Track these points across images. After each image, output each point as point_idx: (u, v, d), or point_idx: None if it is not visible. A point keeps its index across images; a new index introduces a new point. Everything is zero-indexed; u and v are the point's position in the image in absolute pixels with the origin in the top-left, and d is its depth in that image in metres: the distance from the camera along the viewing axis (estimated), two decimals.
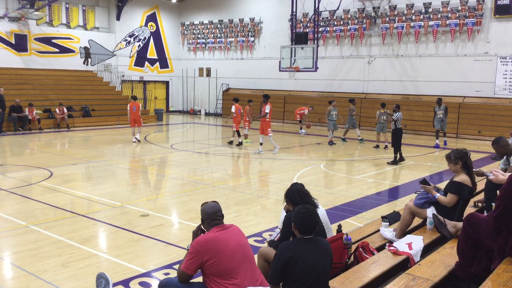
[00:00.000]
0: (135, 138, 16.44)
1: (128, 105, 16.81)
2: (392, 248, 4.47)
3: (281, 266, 3.35)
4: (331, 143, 16.40)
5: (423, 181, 5.24)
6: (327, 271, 3.45)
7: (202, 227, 3.84)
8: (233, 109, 15.85)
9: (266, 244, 5.95)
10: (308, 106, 20.54)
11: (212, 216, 3.72)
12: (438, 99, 16.59)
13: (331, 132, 16.63)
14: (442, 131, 16.50)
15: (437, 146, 16.21)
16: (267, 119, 14.39)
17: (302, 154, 14.88)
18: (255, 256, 4.15)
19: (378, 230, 5.34)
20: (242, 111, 16.09)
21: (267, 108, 14.34)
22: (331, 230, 4.75)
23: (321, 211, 4.82)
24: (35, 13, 22.62)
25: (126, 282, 5.05)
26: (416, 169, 12.63)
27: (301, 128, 20.16)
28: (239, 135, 15.99)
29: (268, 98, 14.67)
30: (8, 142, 16.34)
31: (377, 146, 15.80)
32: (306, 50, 18.30)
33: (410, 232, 5.16)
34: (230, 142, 16.20)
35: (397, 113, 13.03)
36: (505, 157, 6.39)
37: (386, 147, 15.47)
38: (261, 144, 14.44)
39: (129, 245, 6.26)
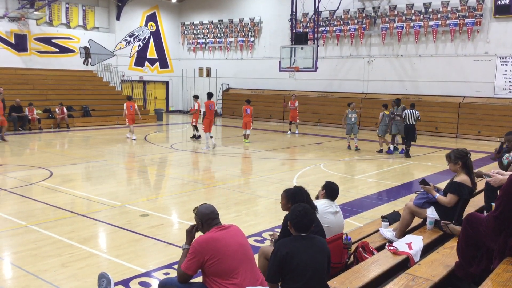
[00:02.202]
0: (133, 136, 17.08)
1: (125, 104, 17.43)
2: (392, 248, 4.47)
3: (278, 262, 3.37)
4: (350, 147, 15.26)
5: (423, 181, 5.24)
6: (324, 268, 3.46)
7: (198, 228, 3.85)
8: (195, 106, 16.97)
9: (266, 243, 5.96)
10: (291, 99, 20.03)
11: (211, 215, 3.73)
12: (397, 99, 14.97)
13: (348, 137, 15.33)
14: (399, 134, 14.66)
15: (390, 152, 14.64)
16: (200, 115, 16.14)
17: (302, 154, 14.87)
18: (256, 256, 4.15)
19: (378, 230, 5.34)
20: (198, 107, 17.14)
21: (203, 106, 15.75)
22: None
23: (340, 218, 4.81)
24: (35, 13, 22.62)
25: (126, 282, 5.05)
26: (416, 169, 12.64)
27: (296, 129, 19.76)
28: (197, 130, 17.27)
29: (211, 96, 15.75)
30: (8, 142, 16.33)
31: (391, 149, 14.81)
32: (306, 50, 18.31)
33: (410, 232, 5.17)
34: (197, 137, 17.13)
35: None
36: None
37: (381, 150, 14.94)
38: (211, 137, 15.27)
39: (129, 245, 6.26)
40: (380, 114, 14.81)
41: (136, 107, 17.76)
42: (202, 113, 15.86)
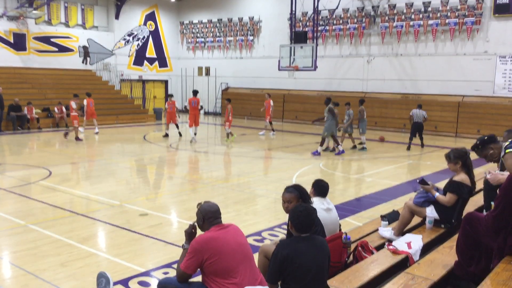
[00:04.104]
0: (96, 129, 18.29)
1: (85, 101, 18.48)
2: (391, 247, 4.47)
3: (278, 264, 3.36)
4: (327, 149, 14.65)
5: (422, 181, 5.23)
6: (324, 269, 3.45)
7: (197, 226, 3.84)
8: (166, 105, 18.01)
9: (266, 242, 5.95)
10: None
11: (215, 214, 3.72)
12: (326, 99, 14.62)
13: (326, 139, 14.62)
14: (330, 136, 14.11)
15: (315, 153, 13.95)
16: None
17: (301, 153, 14.85)
18: (255, 255, 4.14)
19: (377, 229, 5.34)
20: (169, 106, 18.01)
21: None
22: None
23: (334, 215, 4.80)
24: (33, 12, 22.59)
25: (125, 282, 5.05)
26: (415, 168, 12.65)
27: (273, 130, 19.08)
28: (177, 127, 17.98)
29: (196, 93, 17.02)
30: (7, 141, 16.32)
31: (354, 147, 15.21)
32: (305, 49, 18.28)
33: (409, 231, 5.17)
34: (179, 134, 17.62)
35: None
36: None
37: (354, 147, 15.34)
38: (195, 134, 16.54)
39: (128, 244, 6.26)
40: (350, 112, 14.94)
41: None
42: (177, 109, 17.79)
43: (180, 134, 17.71)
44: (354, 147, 15.34)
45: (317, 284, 3.36)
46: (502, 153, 4.20)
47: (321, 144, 14.16)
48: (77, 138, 16.22)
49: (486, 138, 4.90)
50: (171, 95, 18.54)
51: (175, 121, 17.71)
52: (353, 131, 15.14)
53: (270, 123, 19.08)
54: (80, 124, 16.87)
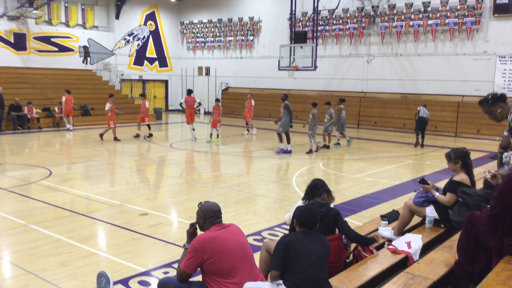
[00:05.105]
0: (71, 127, 19.21)
1: (64, 97, 19.21)
2: (391, 247, 4.47)
3: (282, 249, 3.46)
4: (310, 151, 14.45)
5: (422, 180, 5.24)
6: (326, 258, 3.53)
7: (197, 226, 3.85)
8: (147, 105, 17.75)
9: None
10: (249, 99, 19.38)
11: (216, 214, 3.74)
12: (283, 95, 14.89)
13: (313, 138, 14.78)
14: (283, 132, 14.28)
15: (282, 151, 14.26)
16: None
17: (300, 153, 14.86)
18: (255, 255, 4.15)
19: (377, 229, 5.35)
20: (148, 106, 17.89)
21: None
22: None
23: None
24: (34, 11, 22.61)
25: (125, 281, 5.05)
26: (415, 168, 12.64)
27: (250, 129, 19.28)
28: (138, 128, 17.73)
29: (191, 92, 17.40)
30: (7, 141, 16.32)
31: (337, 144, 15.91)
32: (305, 49, 18.27)
33: (409, 231, 5.17)
34: (136, 136, 17.43)
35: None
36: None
37: (324, 146, 15.50)
38: (193, 129, 16.99)
39: (128, 244, 6.26)
40: (331, 111, 15.38)
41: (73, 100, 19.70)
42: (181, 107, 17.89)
43: (137, 135, 17.35)
44: (337, 144, 15.82)
45: (318, 270, 3.42)
46: (510, 117, 4.23)
47: (281, 141, 14.41)
48: (115, 139, 16.29)
49: (499, 95, 4.84)
50: (143, 95, 18.74)
51: (139, 121, 17.43)
52: (333, 130, 15.56)
53: (247, 123, 19.36)
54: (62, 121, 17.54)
